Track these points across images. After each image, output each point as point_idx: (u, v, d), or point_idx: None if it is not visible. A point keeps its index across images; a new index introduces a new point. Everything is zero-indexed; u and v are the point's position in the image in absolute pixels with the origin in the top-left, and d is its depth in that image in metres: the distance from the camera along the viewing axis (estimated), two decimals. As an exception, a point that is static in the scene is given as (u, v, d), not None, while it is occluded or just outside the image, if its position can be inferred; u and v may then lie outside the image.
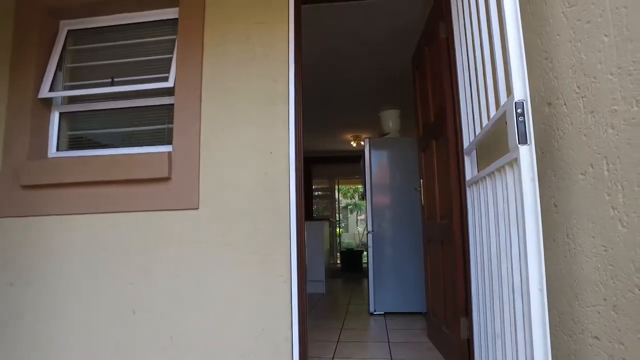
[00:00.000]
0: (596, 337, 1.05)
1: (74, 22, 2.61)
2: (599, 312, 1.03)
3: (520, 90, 1.12)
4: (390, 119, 4.22)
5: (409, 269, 3.82)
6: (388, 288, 3.83)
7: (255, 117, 2.18)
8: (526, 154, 1.10)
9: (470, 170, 1.93)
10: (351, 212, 14.14)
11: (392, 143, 4.05)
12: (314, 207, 9.67)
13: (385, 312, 3.82)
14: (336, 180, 10.13)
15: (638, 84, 0.86)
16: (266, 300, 2.04)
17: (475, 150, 1.92)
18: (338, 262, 9.37)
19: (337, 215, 10.24)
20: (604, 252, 1.00)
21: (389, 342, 2.88)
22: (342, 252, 8.30)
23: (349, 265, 7.70)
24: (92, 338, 2.17)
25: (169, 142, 2.33)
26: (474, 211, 1.81)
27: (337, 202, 10.22)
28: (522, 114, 1.11)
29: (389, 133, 4.24)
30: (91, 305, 2.19)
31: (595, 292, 1.04)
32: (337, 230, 10.30)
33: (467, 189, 1.93)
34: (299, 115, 2.19)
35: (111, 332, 2.15)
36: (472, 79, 1.71)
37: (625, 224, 0.92)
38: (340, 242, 10.42)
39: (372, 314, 3.82)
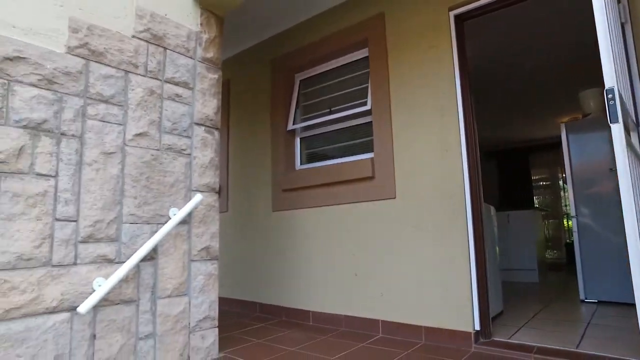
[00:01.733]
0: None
1: (303, 73, 3.73)
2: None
3: (609, 80, 1.38)
4: (591, 99, 3.98)
5: (626, 254, 3.56)
6: (603, 275, 3.66)
7: (432, 124, 2.73)
8: (616, 130, 1.37)
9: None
10: (588, 202, 12.34)
11: (590, 124, 3.83)
12: (538, 198, 9.10)
13: (599, 301, 3.67)
14: (560, 169, 9.25)
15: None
16: (448, 267, 2.57)
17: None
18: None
19: (564, 206, 9.31)
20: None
21: (588, 323, 2.92)
22: (567, 245, 7.63)
23: (574, 258, 7.06)
24: (328, 291, 3.14)
25: (371, 150, 3.12)
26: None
27: (562, 192, 9.31)
28: (613, 99, 1.38)
29: (590, 113, 4.00)
30: (328, 268, 3.17)
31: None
32: (566, 222, 9.35)
33: (634, 165, 2.02)
34: (468, 117, 2.63)
35: (341, 288, 3.07)
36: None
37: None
38: (568, 234, 9.41)
39: (583, 301, 3.73)
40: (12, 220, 1.69)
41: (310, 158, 3.67)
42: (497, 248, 3.40)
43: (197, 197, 2.39)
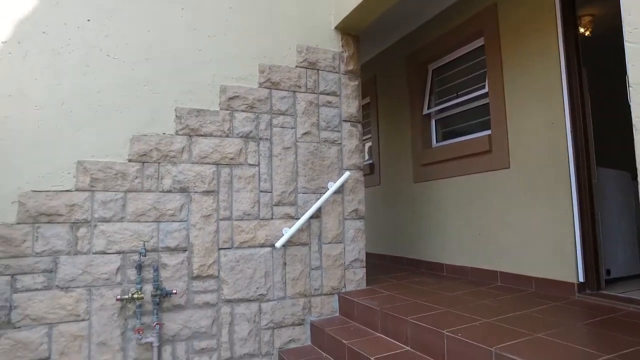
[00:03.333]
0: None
1: (434, 63, 4.30)
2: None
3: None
4: None
5: None
6: None
7: (539, 101, 3.05)
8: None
9: None
10: None
11: None
12: None
13: None
14: None
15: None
16: (554, 226, 2.92)
17: None
18: None
19: None
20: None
21: None
22: None
23: None
24: (458, 247, 3.75)
25: (488, 128, 3.56)
26: None
27: None
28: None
29: None
30: (457, 228, 3.79)
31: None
32: None
33: None
34: (575, 92, 2.86)
35: (468, 244, 3.65)
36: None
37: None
38: None
39: None
40: (239, 192, 2.94)
41: (443, 136, 4.25)
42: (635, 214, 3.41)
43: (346, 174, 3.34)
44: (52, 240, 2.43)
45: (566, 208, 2.85)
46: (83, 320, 2.47)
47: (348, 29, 3.45)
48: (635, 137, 1.36)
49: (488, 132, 3.55)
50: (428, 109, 4.29)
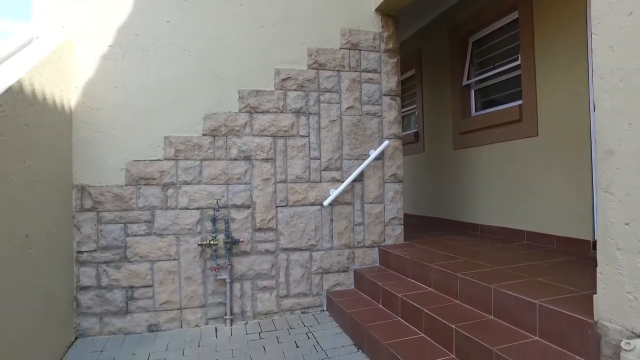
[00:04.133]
0: None
1: (474, 36, 4.49)
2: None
3: None
4: None
5: None
6: None
7: (565, 73, 3.23)
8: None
9: None
10: None
11: None
12: None
13: None
14: None
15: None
16: (575, 189, 3.18)
17: None
18: None
19: None
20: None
21: None
22: None
23: None
24: (491, 209, 4.08)
25: (520, 99, 3.78)
26: None
27: None
28: None
29: None
30: (491, 191, 4.10)
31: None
32: None
33: None
34: (601, 62, 3.04)
35: (500, 206, 3.97)
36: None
37: None
38: None
39: None
40: (292, 159, 3.49)
41: (479, 107, 4.49)
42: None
43: (386, 142, 3.76)
44: (150, 198, 3.15)
45: (586, 172, 3.10)
46: (174, 259, 3.20)
47: (387, 10, 3.78)
48: (596, 114, 1.69)
49: (519, 102, 3.78)
50: (467, 79, 4.53)
